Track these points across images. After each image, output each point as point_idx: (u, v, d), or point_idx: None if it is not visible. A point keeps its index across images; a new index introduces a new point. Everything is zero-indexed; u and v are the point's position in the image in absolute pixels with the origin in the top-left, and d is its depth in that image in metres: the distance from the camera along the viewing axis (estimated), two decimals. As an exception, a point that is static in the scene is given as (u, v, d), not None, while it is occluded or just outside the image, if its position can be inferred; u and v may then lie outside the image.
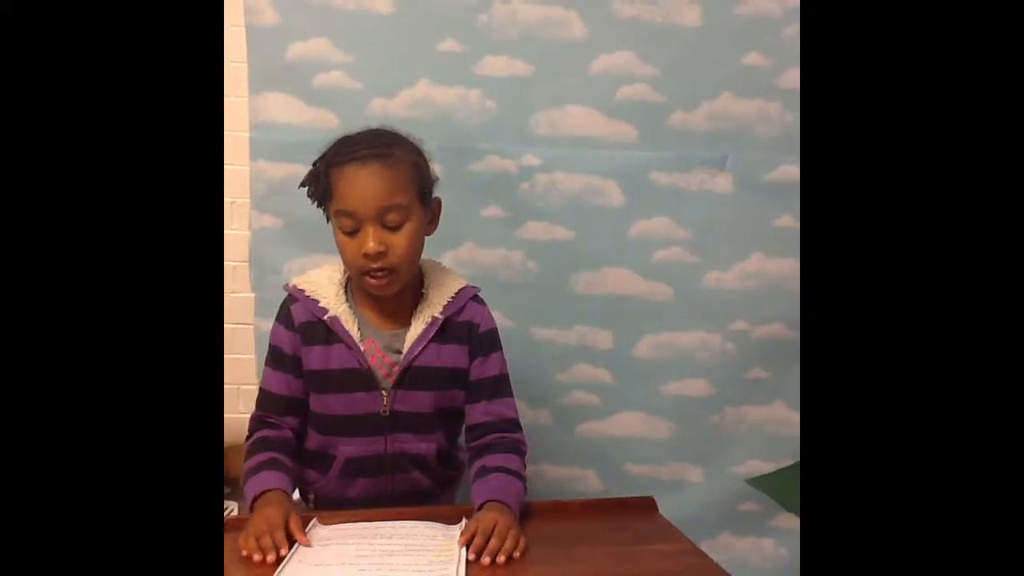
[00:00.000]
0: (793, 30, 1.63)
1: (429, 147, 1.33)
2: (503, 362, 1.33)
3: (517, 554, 1.10)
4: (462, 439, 1.38)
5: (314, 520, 1.17)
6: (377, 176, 1.20)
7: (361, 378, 1.25)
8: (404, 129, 1.30)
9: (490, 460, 1.26)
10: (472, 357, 1.30)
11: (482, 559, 1.07)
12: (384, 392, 1.26)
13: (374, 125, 1.31)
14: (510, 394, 1.33)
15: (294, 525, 1.10)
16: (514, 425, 1.32)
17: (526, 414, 1.39)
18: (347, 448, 1.28)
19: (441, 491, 1.37)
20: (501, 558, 1.08)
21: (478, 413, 1.31)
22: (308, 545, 1.10)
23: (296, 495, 1.35)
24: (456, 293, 1.30)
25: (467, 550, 1.09)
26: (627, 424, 1.79)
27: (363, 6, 1.57)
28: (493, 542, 1.09)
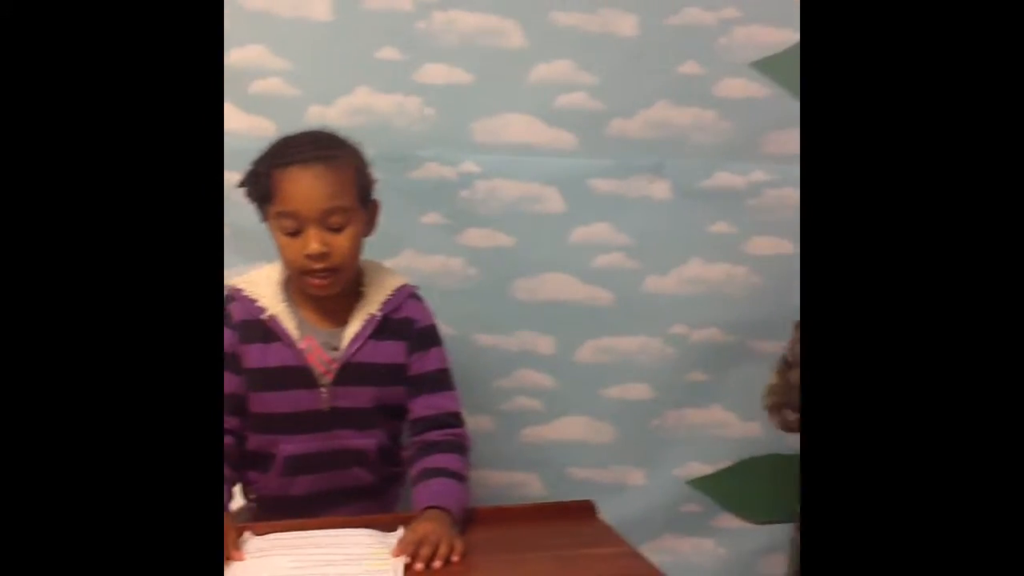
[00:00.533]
0: (728, 40, 1.67)
1: (367, 155, 1.34)
2: (443, 357, 1.35)
3: (455, 558, 1.12)
4: (405, 439, 1.39)
5: (247, 532, 1.17)
6: (321, 178, 1.22)
7: (300, 376, 1.27)
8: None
9: (432, 461, 1.28)
10: (411, 353, 1.33)
11: (416, 566, 1.08)
12: (323, 389, 1.28)
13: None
14: (452, 387, 1.36)
15: (227, 541, 1.10)
16: (457, 419, 1.35)
17: (468, 421, 1.40)
18: (288, 446, 1.29)
19: (385, 488, 1.38)
20: (437, 563, 1.09)
21: (420, 407, 1.33)
22: (241, 560, 1.09)
23: (237, 495, 1.35)
24: (394, 291, 1.33)
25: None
26: (570, 428, 1.80)
27: (301, 13, 1.56)
28: (425, 550, 1.10)
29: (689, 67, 1.67)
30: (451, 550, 1.12)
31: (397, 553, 1.11)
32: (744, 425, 1.84)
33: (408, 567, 1.09)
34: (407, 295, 1.34)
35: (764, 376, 1.81)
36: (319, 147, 1.25)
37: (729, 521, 1.88)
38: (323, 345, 1.29)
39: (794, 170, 1.73)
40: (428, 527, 1.14)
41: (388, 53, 1.60)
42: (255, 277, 1.33)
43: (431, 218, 1.67)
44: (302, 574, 1.06)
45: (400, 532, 1.16)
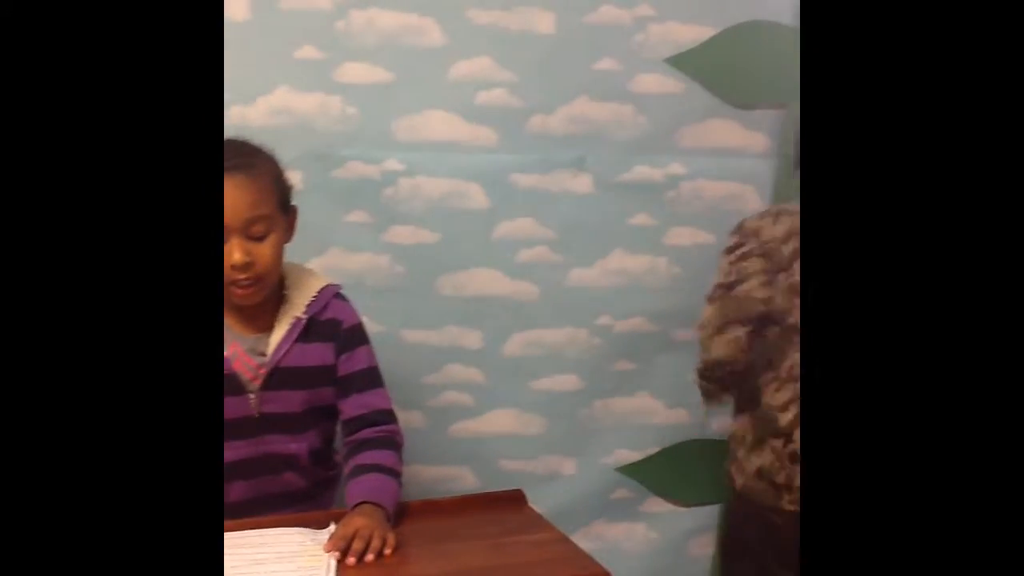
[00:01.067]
0: (643, 36, 1.70)
1: (290, 154, 1.35)
2: (371, 355, 1.36)
3: (388, 551, 1.13)
4: (339, 442, 1.39)
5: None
6: (242, 187, 1.21)
7: (226, 383, 1.25)
8: (261, 138, 1.31)
9: (364, 458, 1.29)
10: (339, 353, 1.33)
11: (347, 560, 1.09)
12: (252, 395, 1.28)
13: (232, 133, 1.31)
14: (382, 385, 1.36)
15: None
16: (389, 416, 1.35)
17: (399, 417, 1.41)
18: None
19: (319, 492, 1.38)
20: (369, 557, 1.11)
21: (351, 407, 1.33)
22: None
23: None
24: (318, 292, 1.33)
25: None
26: (500, 421, 1.82)
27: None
28: (357, 544, 1.11)
29: (606, 63, 1.71)
30: (383, 543, 1.13)
31: (329, 549, 1.11)
32: (670, 412, 1.89)
33: (341, 562, 1.10)
34: (331, 295, 1.34)
35: (688, 364, 1.86)
36: (238, 155, 1.24)
37: (658, 505, 1.93)
38: (249, 351, 1.29)
39: (708, 162, 1.82)
40: (360, 521, 1.15)
41: (308, 52, 1.60)
42: None
43: (356, 216, 1.67)
44: (235, 572, 1.06)
45: (332, 529, 1.17)
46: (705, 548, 1.96)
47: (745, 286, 1.43)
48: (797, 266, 1.39)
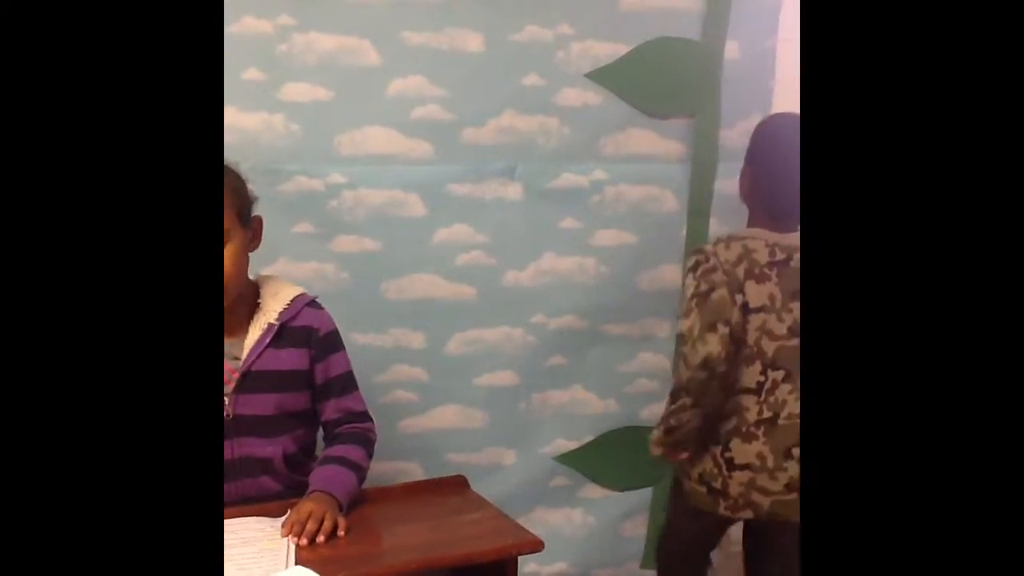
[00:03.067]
0: (564, 53, 1.80)
1: (234, 162, 1.37)
2: (347, 360, 1.43)
3: (341, 533, 1.22)
4: (319, 450, 1.44)
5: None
6: None
7: None
8: None
9: (331, 451, 1.36)
10: (316, 360, 1.38)
11: (300, 541, 1.17)
12: (226, 397, 1.32)
13: None
14: (357, 388, 1.43)
15: None
16: (364, 416, 1.43)
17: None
18: None
19: (293, 497, 1.43)
20: (320, 538, 1.19)
21: (329, 410, 1.40)
22: None
23: None
24: (291, 301, 1.38)
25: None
26: (444, 417, 1.90)
27: None
28: (310, 525, 1.19)
29: (532, 79, 1.80)
30: (332, 527, 1.22)
31: (285, 533, 1.20)
32: (602, 402, 2.00)
33: (299, 546, 1.18)
34: (304, 304, 1.39)
35: (617, 356, 1.98)
36: None
37: (594, 491, 2.04)
38: (223, 355, 1.33)
39: (628, 168, 1.93)
40: (310, 506, 1.23)
41: (252, 74, 1.67)
42: None
43: (302, 227, 1.74)
44: (201, 556, 1.14)
45: (288, 515, 1.25)
46: (638, 529, 2.07)
47: (719, 292, 1.48)
48: (748, 286, 1.48)
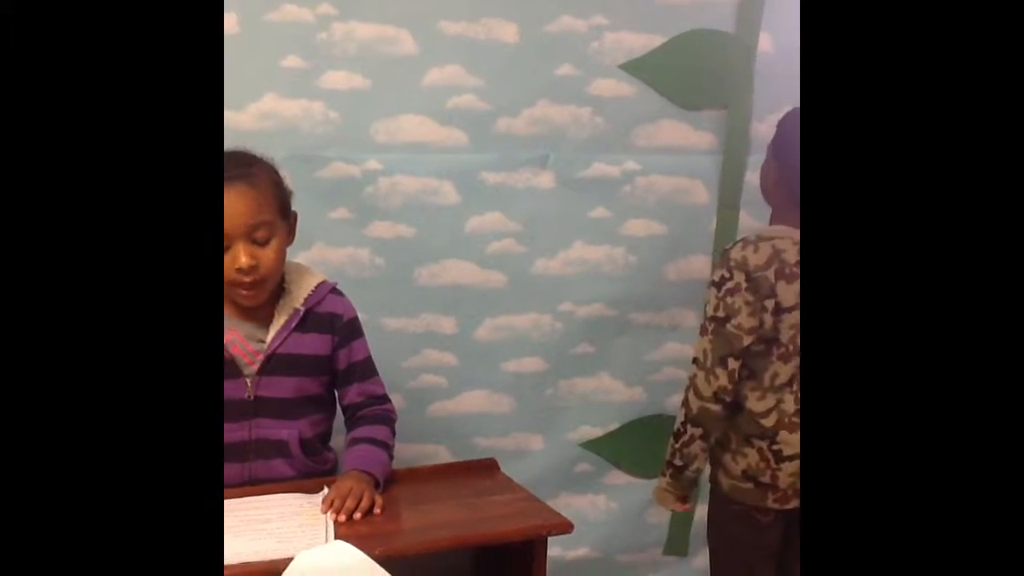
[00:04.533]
0: (599, 44, 1.82)
1: (277, 156, 1.42)
2: (367, 346, 1.46)
3: (377, 511, 1.26)
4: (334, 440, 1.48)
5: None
6: (244, 196, 1.29)
7: (225, 367, 1.33)
8: (250, 142, 1.39)
9: (360, 432, 1.40)
10: (339, 346, 1.42)
11: (338, 517, 1.21)
12: (248, 379, 1.36)
13: (226, 137, 1.40)
14: (376, 373, 1.47)
15: None
16: (384, 399, 1.47)
17: (385, 399, 1.52)
18: None
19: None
20: (358, 515, 1.23)
21: (352, 394, 1.44)
22: None
23: None
24: (316, 287, 1.41)
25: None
26: (473, 401, 1.93)
27: None
28: (349, 502, 1.23)
29: (565, 69, 1.82)
30: (372, 503, 1.26)
31: (324, 509, 1.24)
32: (628, 390, 2.02)
33: (336, 522, 1.22)
34: (328, 290, 1.43)
35: (644, 345, 2.00)
36: (238, 165, 1.31)
37: (618, 478, 2.06)
38: (248, 337, 1.37)
39: (660, 159, 1.95)
40: (349, 483, 1.28)
41: (293, 62, 1.70)
42: None
43: (338, 213, 1.78)
44: (244, 528, 1.19)
45: (326, 492, 1.29)
46: (661, 517, 2.08)
47: (735, 321, 1.50)
48: (780, 287, 1.49)
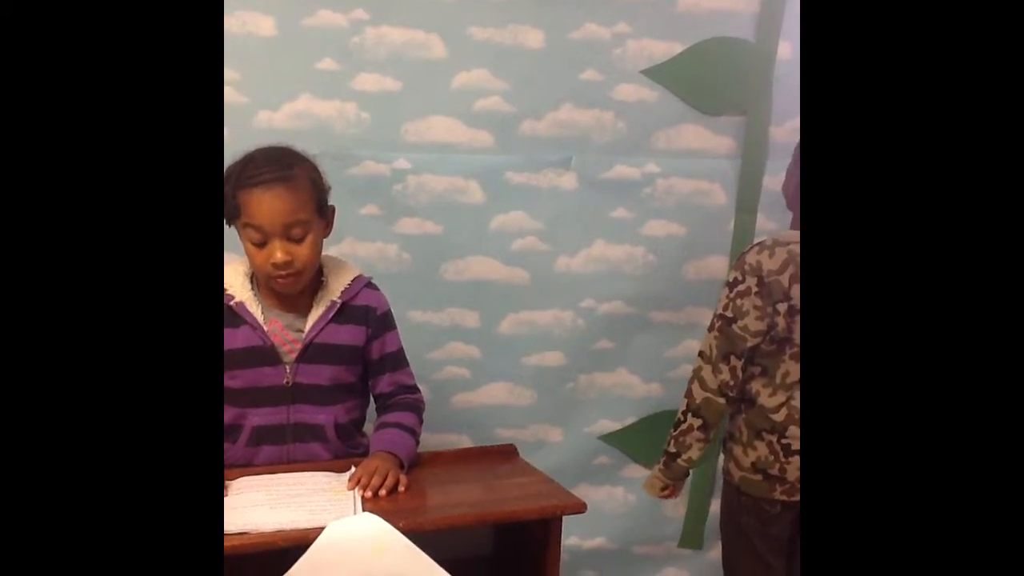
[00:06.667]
0: (621, 51, 1.88)
1: (311, 154, 1.46)
2: (399, 338, 1.52)
3: (402, 488, 1.33)
4: (366, 428, 1.54)
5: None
6: (281, 197, 1.35)
7: (265, 354, 1.41)
8: (285, 140, 1.43)
9: (389, 417, 1.47)
10: (373, 337, 1.48)
11: (364, 494, 1.28)
12: (287, 366, 1.42)
13: (261, 135, 1.45)
14: (407, 364, 1.54)
15: None
16: (414, 388, 1.53)
17: (413, 388, 1.57)
18: (254, 418, 1.43)
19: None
20: (383, 492, 1.29)
21: (384, 384, 1.51)
22: (226, 497, 1.28)
23: None
24: (352, 281, 1.48)
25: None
26: (495, 393, 1.99)
27: (248, 29, 1.72)
28: (375, 479, 1.30)
29: (589, 74, 1.88)
30: (396, 482, 1.33)
31: (352, 486, 1.31)
32: (646, 386, 2.08)
33: (363, 498, 1.29)
34: (363, 284, 1.49)
35: (662, 342, 2.05)
36: (278, 167, 1.36)
37: (636, 471, 2.11)
38: (288, 327, 1.43)
39: (680, 162, 2.01)
40: (375, 463, 1.34)
41: (327, 64, 1.77)
42: (226, 269, 1.45)
43: (368, 210, 1.84)
44: (277, 502, 1.26)
45: (352, 471, 1.36)
46: (678, 509, 2.14)
47: (741, 322, 1.56)
48: (794, 290, 1.54)
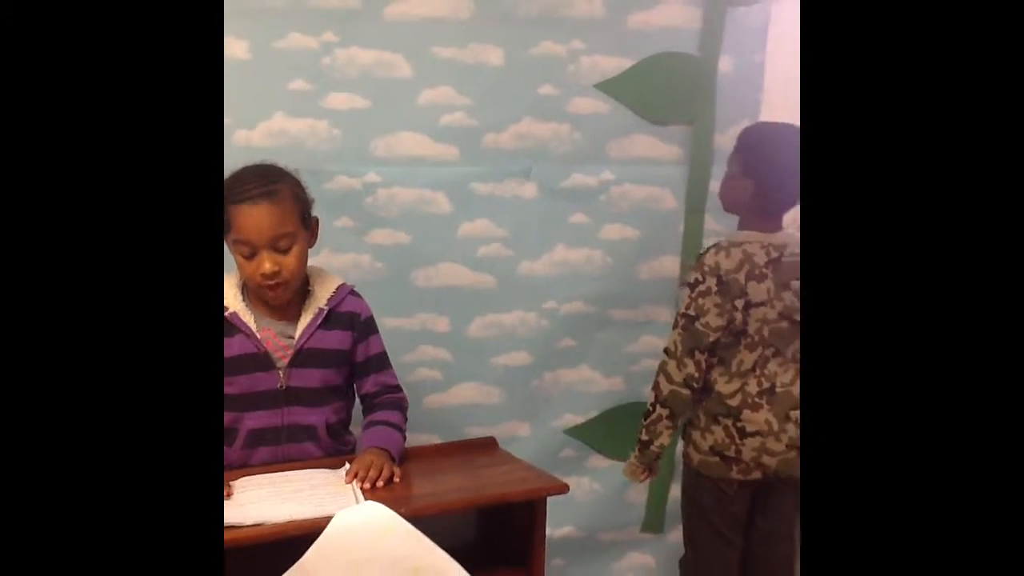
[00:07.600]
0: (576, 66, 1.98)
1: (294, 169, 1.53)
2: (382, 341, 1.61)
3: (396, 480, 1.42)
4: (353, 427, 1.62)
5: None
6: (267, 212, 1.43)
7: (259, 361, 1.49)
8: (261, 157, 1.50)
9: (376, 415, 1.55)
10: (358, 341, 1.56)
11: (363, 486, 1.37)
12: (280, 371, 1.50)
13: (239, 154, 1.51)
14: (390, 365, 1.62)
15: None
16: (397, 388, 1.62)
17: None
18: (250, 421, 1.50)
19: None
20: (380, 484, 1.39)
21: (369, 384, 1.59)
22: (230, 495, 1.35)
23: None
24: (336, 289, 1.56)
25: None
26: (465, 393, 2.07)
27: (226, 54, 1.79)
28: (372, 472, 1.39)
29: (546, 89, 1.97)
30: (390, 475, 1.42)
31: (349, 480, 1.40)
32: (607, 380, 2.18)
33: (362, 489, 1.37)
34: (347, 292, 1.57)
35: (621, 339, 2.16)
36: (263, 183, 1.43)
37: (600, 461, 2.21)
38: (279, 334, 1.51)
39: (632, 169, 2.13)
40: (370, 457, 1.43)
41: (299, 84, 1.84)
42: None
43: (342, 222, 1.91)
44: (281, 497, 1.34)
45: (347, 467, 1.45)
46: (640, 496, 2.25)
47: (703, 320, 1.68)
48: (750, 287, 1.67)
